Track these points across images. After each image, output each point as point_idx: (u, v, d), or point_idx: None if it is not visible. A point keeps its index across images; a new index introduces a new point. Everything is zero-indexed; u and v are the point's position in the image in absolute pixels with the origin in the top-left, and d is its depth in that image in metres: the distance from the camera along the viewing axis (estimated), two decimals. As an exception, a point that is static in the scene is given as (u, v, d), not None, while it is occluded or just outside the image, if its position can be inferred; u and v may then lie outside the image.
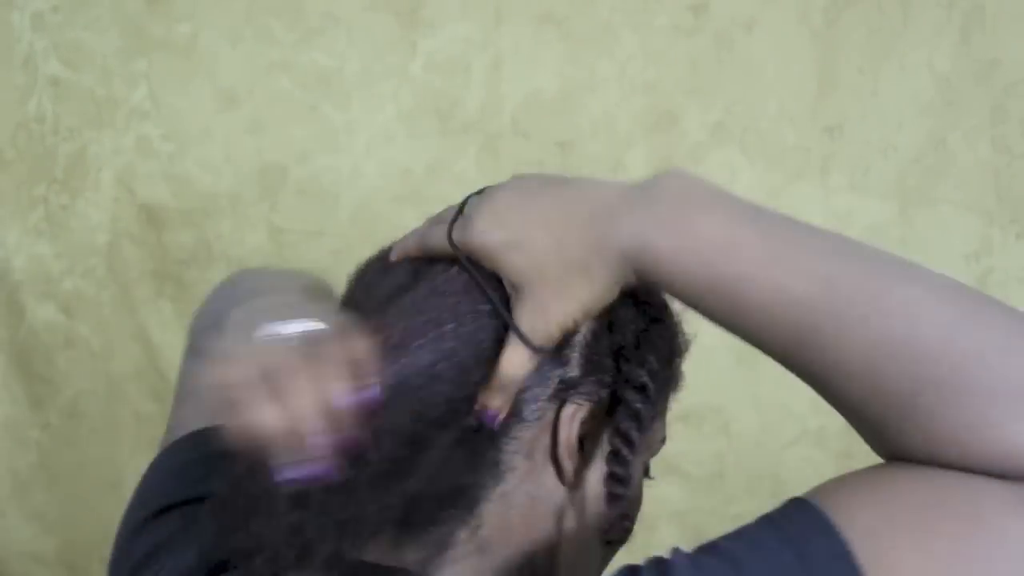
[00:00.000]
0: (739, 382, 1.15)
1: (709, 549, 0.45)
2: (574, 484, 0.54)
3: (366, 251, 1.31)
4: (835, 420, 0.58)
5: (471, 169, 1.16)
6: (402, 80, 1.16)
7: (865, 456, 0.56)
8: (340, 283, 1.25)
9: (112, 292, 1.21)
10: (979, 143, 1.11)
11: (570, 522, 0.55)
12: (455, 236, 0.52)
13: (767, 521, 0.45)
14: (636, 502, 0.58)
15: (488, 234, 0.51)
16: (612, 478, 0.55)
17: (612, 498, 0.55)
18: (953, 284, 0.45)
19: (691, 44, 1.13)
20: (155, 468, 0.66)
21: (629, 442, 0.54)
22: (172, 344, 1.21)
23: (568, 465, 0.53)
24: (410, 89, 1.16)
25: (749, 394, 1.16)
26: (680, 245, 0.48)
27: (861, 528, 0.42)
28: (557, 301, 0.50)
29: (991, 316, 0.44)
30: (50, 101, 1.19)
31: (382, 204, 1.17)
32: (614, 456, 0.55)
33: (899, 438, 0.45)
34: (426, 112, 1.16)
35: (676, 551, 0.45)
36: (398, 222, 1.24)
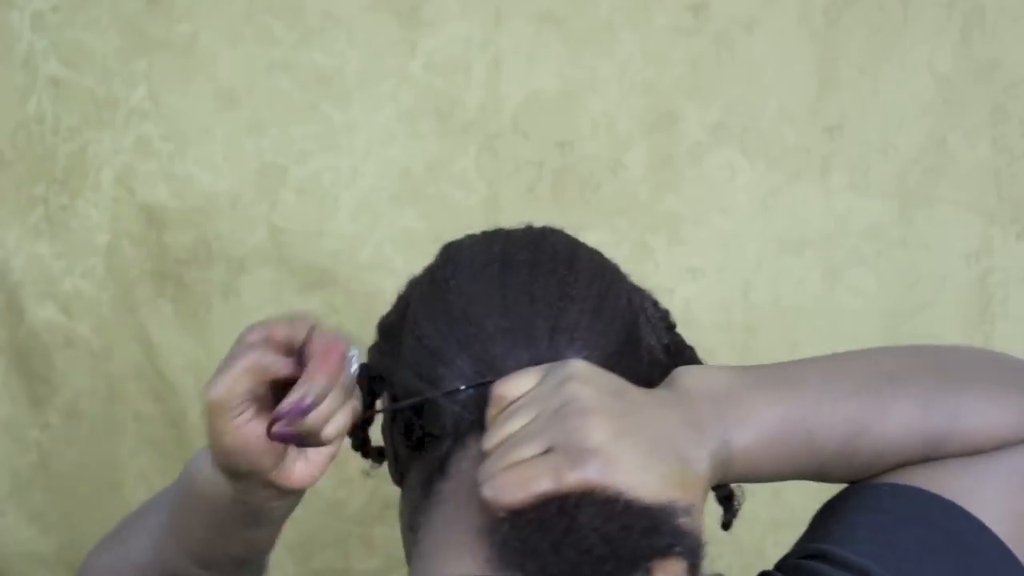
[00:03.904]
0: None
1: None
2: None
3: (366, 251, 1.32)
4: (835, 420, 0.58)
5: (471, 169, 1.16)
6: (402, 80, 1.16)
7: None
8: (337, 281, 1.25)
9: (112, 292, 1.21)
10: (979, 143, 1.11)
11: None
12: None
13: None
14: None
15: None
16: None
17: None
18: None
19: (691, 44, 1.13)
20: None
21: None
22: (172, 344, 1.21)
23: None
24: (410, 89, 1.16)
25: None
26: (757, 441, 0.52)
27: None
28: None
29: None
30: (50, 101, 1.19)
31: (382, 204, 1.17)
32: None
33: None
34: (426, 112, 1.16)
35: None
36: (398, 222, 1.25)
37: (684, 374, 0.54)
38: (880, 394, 0.54)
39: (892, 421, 0.53)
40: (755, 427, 0.51)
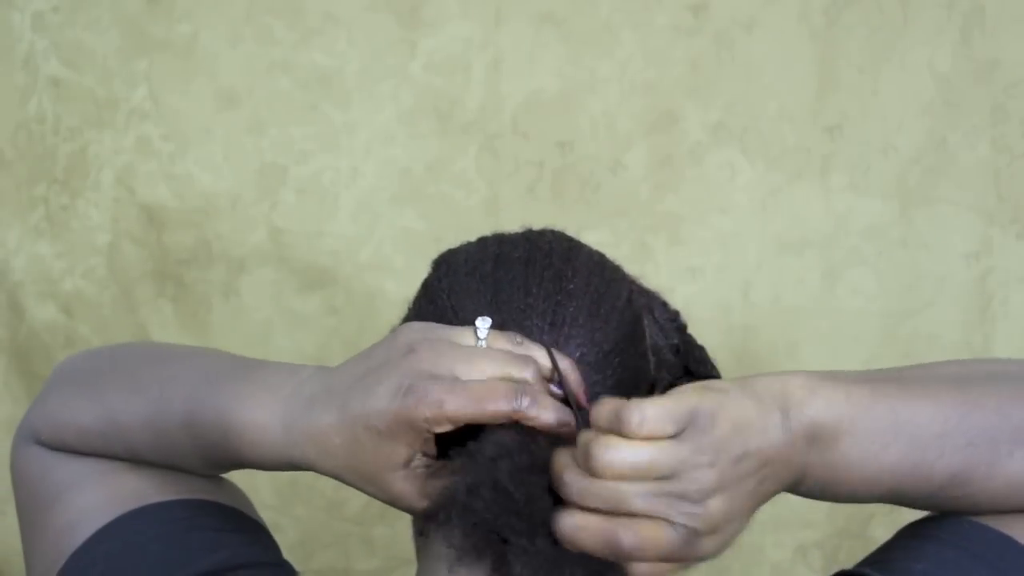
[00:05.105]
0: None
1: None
2: None
3: (366, 251, 1.32)
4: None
5: (471, 169, 1.16)
6: (402, 80, 1.16)
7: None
8: (337, 281, 1.25)
9: (112, 292, 1.21)
10: (979, 143, 1.11)
11: None
12: None
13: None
14: None
15: None
16: None
17: None
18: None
19: (691, 44, 1.13)
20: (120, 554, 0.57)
21: None
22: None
23: None
24: (410, 89, 1.16)
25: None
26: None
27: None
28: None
29: None
30: (50, 101, 1.19)
31: (382, 204, 1.17)
32: None
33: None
34: (426, 112, 1.16)
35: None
36: (398, 222, 1.25)
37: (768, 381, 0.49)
38: (996, 446, 0.50)
39: (1000, 478, 0.50)
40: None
